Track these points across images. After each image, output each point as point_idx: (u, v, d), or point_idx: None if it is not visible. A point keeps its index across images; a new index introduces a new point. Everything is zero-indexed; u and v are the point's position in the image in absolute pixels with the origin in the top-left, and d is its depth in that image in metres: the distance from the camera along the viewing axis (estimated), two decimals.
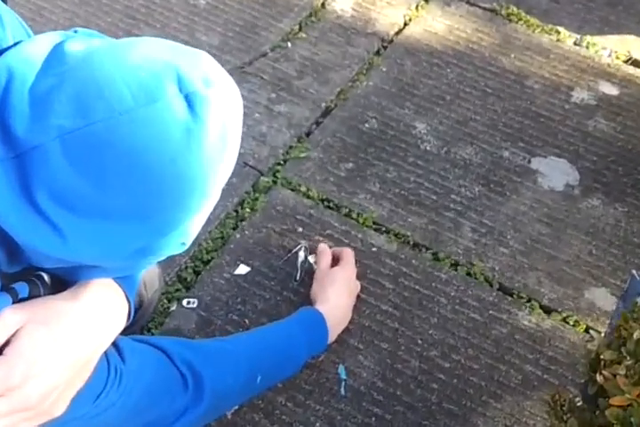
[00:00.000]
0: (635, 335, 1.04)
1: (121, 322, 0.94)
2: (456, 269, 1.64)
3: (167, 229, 0.75)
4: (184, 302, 1.55)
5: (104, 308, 0.90)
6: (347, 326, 1.51)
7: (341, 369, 1.48)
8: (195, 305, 1.55)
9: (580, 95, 1.98)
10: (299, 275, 1.59)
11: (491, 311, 1.58)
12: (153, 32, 1.97)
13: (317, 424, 1.42)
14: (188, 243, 0.80)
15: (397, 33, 2.10)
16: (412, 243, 1.68)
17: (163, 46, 0.73)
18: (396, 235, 1.69)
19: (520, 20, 2.14)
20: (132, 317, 0.96)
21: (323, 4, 2.13)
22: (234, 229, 1.67)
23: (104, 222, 0.71)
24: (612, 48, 2.10)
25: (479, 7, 2.17)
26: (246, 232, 1.66)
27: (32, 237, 0.72)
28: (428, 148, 1.85)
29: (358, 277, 1.56)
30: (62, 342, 0.84)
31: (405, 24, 2.12)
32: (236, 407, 1.42)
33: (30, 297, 0.84)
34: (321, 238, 1.65)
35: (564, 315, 1.59)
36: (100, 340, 0.90)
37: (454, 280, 1.62)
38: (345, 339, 1.52)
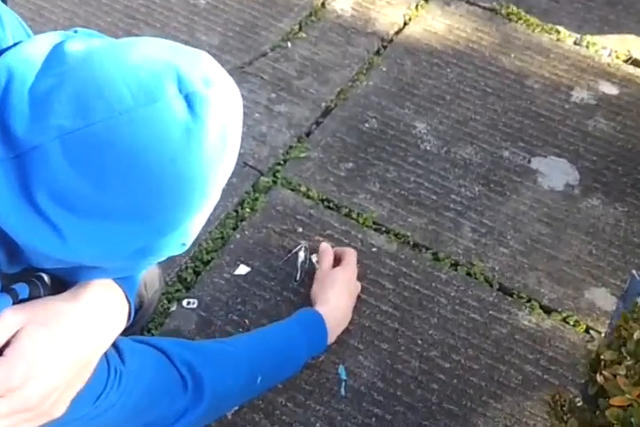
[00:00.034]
0: (635, 336, 1.04)
1: (121, 323, 0.94)
2: (456, 270, 1.64)
3: (167, 229, 0.75)
4: (184, 303, 1.55)
5: (104, 308, 0.90)
6: (347, 327, 1.51)
7: (341, 369, 1.48)
8: (195, 306, 1.55)
9: (579, 95, 1.98)
10: (299, 275, 1.59)
11: (491, 311, 1.58)
12: (153, 32, 1.97)
13: (317, 425, 1.42)
14: (189, 243, 0.80)
15: (397, 32, 2.09)
16: (411, 243, 1.68)
17: (162, 46, 0.73)
18: (395, 235, 1.69)
19: (520, 19, 2.14)
20: (132, 317, 0.96)
21: (323, 4, 2.13)
22: (234, 229, 1.66)
23: (104, 223, 0.71)
24: (611, 47, 2.10)
25: (479, 6, 2.17)
26: (246, 232, 1.66)
27: (32, 238, 0.72)
28: (428, 147, 1.85)
29: (358, 278, 1.56)
30: (62, 343, 0.84)
31: (405, 24, 2.12)
32: (236, 408, 1.42)
33: (30, 298, 0.84)
34: (321, 238, 1.65)
35: (564, 315, 1.59)
36: (100, 341, 0.90)
37: (454, 280, 1.62)
38: (345, 339, 1.51)
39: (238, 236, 1.65)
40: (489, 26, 2.12)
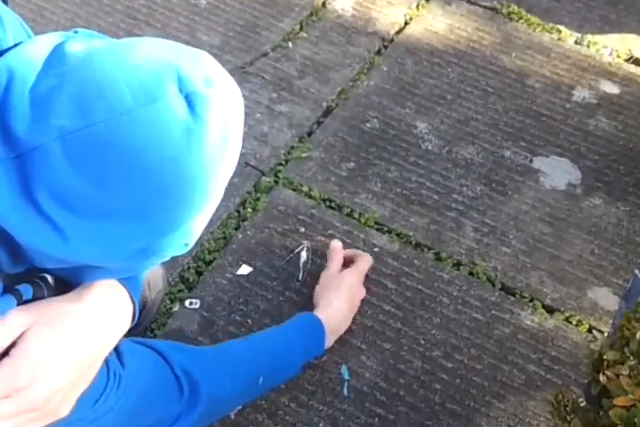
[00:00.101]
0: (638, 335, 1.04)
1: (126, 323, 0.94)
2: (458, 269, 1.64)
3: (168, 229, 0.75)
4: (186, 303, 1.55)
5: (109, 309, 0.90)
6: (349, 327, 1.51)
7: (344, 370, 1.48)
8: (197, 306, 1.55)
9: (581, 94, 1.98)
10: (301, 275, 1.59)
11: (493, 311, 1.58)
12: (154, 32, 1.97)
13: (320, 425, 1.42)
14: (191, 244, 0.80)
15: (398, 32, 2.09)
16: (414, 243, 1.68)
17: (163, 46, 0.73)
18: (398, 235, 1.69)
19: (521, 18, 2.14)
20: (136, 318, 0.96)
21: (323, 4, 2.13)
22: (236, 229, 1.66)
23: (105, 223, 0.71)
24: (612, 47, 2.10)
25: (480, 6, 2.17)
26: (248, 232, 1.66)
27: (33, 238, 0.72)
28: (429, 147, 1.84)
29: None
30: (67, 344, 0.84)
31: (406, 23, 2.12)
32: (239, 408, 1.42)
33: (34, 299, 0.84)
34: (323, 238, 1.65)
35: (567, 315, 1.58)
36: (104, 341, 0.90)
37: (457, 280, 1.62)
38: (347, 339, 1.51)
39: (240, 236, 1.65)
40: (490, 25, 2.12)
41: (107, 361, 0.96)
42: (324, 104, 1.91)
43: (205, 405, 1.15)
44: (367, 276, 1.58)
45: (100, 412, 0.97)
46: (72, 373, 0.85)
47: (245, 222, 1.67)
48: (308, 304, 1.49)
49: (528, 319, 1.57)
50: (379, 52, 2.04)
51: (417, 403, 1.46)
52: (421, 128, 1.88)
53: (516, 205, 1.75)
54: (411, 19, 2.12)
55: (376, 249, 1.65)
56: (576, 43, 2.11)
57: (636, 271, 1.27)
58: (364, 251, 1.63)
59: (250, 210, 1.69)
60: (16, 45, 0.75)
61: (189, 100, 0.69)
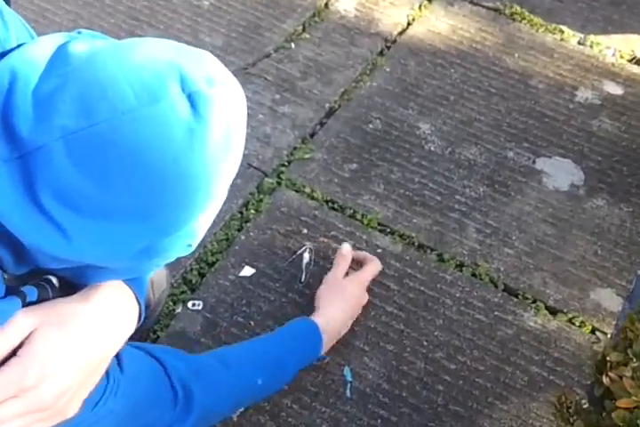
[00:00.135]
0: None
1: (132, 323, 0.94)
2: (461, 271, 1.64)
3: (171, 229, 0.75)
4: (189, 305, 1.55)
5: (115, 309, 0.90)
6: (351, 328, 1.51)
7: (347, 371, 1.48)
8: (200, 307, 1.55)
9: (584, 95, 1.98)
10: (304, 276, 1.59)
11: (496, 312, 1.58)
12: (156, 33, 1.97)
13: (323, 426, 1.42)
14: (195, 244, 0.80)
15: (401, 33, 2.09)
16: (416, 244, 1.68)
17: (166, 46, 0.73)
18: (400, 236, 1.69)
19: (523, 19, 2.14)
20: (142, 318, 0.96)
21: (326, 5, 2.13)
22: (238, 230, 1.66)
23: (108, 222, 0.71)
24: (615, 47, 2.10)
25: (482, 7, 2.17)
26: (251, 234, 1.66)
27: (36, 237, 0.72)
28: (432, 148, 1.84)
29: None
30: (75, 343, 0.84)
31: (409, 24, 2.12)
32: (242, 409, 1.42)
33: (39, 301, 0.84)
34: (326, 240, 1.65)
35: (570, 316, 1.58)
36: (111, 341, 0.90)
37: (459, 281, 1.62)
38: (350, 341, 1.51)
39: (243, 237, 1.65)
40: (492, 26, 2.12)
41: None
42: (327, 105, 1.91)
43: (198, 414, 1.15)
44: (374, 279, 1.58)
45: (99, 415, 0.97)
46: (80, 372, 0.85)
47: (248, 224, 1.67)
48: (311, 306, 1.49)
49: (531, 321, 1.57)
50: (381, 53, 2.04)
51: (420, 404, 1.46)
52: (424, 129, 1.88)
53: (519, 206, 1.75)
54: (413, 19, 2.12)
55: (379, 250, 1.65)
56: (579, 43, 2.10)
57: (639, 273, 1.27)
58: (367, 252, 1.63)
59: (252, 211, 1.69)
60: (19, 46, 0.75)
61: (192, 99, 0.69)
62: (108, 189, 0.69)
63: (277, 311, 1.55)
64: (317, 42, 2.04)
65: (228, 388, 1.24)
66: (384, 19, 2.11)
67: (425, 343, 1.53)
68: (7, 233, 0.72)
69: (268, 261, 1.62)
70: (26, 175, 0.69)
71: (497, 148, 1.86)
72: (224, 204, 0.81)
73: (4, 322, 0.79)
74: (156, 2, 2.08)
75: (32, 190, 0.69)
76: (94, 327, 0.87)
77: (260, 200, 1.71)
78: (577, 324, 1.57)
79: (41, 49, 0.73)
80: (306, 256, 1.61)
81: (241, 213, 1.69)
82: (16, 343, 0.80)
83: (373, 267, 1.55)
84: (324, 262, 1.61)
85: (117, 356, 1.00)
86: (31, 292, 0.83)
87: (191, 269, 1.60)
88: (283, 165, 1.78)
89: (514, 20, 2.14)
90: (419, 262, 1.64)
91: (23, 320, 0.81)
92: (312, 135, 1.85)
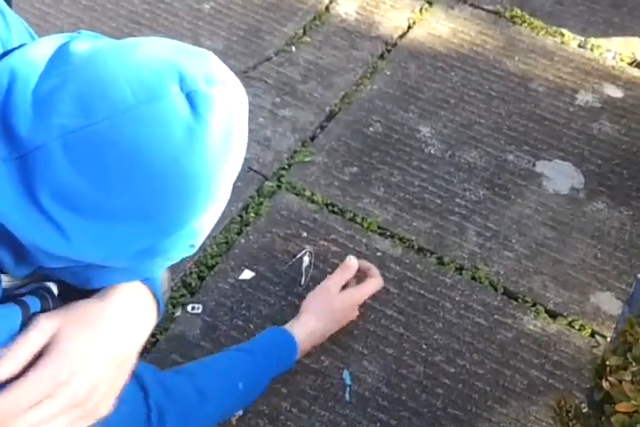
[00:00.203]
0: None
1: (151, 320, 0.94)
2: (461, 274, 1.64)
3: (172, 229, 0.74)
4: (188, 308, 1.55)
5: (135, 306, 0.91)
6: (351, 331, 1.51)
7: (346, 375, 1.48)
8: (199, 311, 1.55)
9: (584, 98, 1.98)
10: (303, 280, 1.59)
11: (496, 316, 1.58)
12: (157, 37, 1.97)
13: None
14: (197, 245, 0.80)
15: (401, 36, 2.09)
16: (416, 247, 1.68)
17: (167, 45, 0.73)
18: (400, 239, 1.68)
19: (524, 22, 2.14)
20: (161, 315, 0.97)
21: (327, 8, 2.13)
22: (238, 234, 1.67)
23: (108, 222, 0.71)
24: (616, 50, 2.10)
25: (483, 10, 2.17)
26: (251, 237, 1.66)
27: (35, 237, 0.72)
28: (432, 151, 1.84)
29: None
30: (101, 340, 0.85)
31: (409, 27, 2.12)
32: (241, 413, 1.42)
33: (42, 311, 0.84)
34: (326, 243, 1.65)
35: (570, 319, 1.58)
36: (135, 337, 0.91)
37: (459, 285, 1.62)
38: (350, 344, 1.51)
39: (243, 240, 1.65)
40: (493, 29, 2.12)
41: None
42: (328, 108, 1.91)
43: None
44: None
45: None
46: (108, 368, 0.86)
47: (248, 227, 1.67)
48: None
49: (530, 324, 1.57)
50: (382, 57, 2.04)
51: (419, 408, 1.46)
52: (424, 132, 1.88)
53: (519, 210, 1.75)
54: (414, 23, 2.13)
55: (379, 254, 1.65)
56: (579, 46, 2.10)
57: (639, 276, 1.27)
58: (366, 255, 1.63)
59: (252, 215, 1.69)
60: (19, 47, 0.75)
61: (191, 98, 0.69)
62: (107, 188, 0.69)
63: (277, 315, 1.55)
64: (318, 45, 2.04)
65: (200, 418, 1.23)
66: (385, 22, 2.11)
67: (424, 347, 1.53)
68: (7, 233, 0.72)
69: (267, 265, 1.62)
70: (25, 175, 0.69)
71: (497, 151, 1.86)
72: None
73: (3, 328, 0.79)
74: (157, 5, 2.08)
75: (31, 190, 0.69)
76: (117, 324, 0.87)
77: (260, 203, 1.71)
78: (576, 327, 1.57)
79: (41, 49, 0.73)
80: (306, 259, 1.61)
81: (241, 216, 1.69)
82: (41, 345, 0.81)
83: (374, 285, 1.52)
84: (323, 266, 1.62)
85: None
86: (33, 302, 0.83)
87: (191, 273, 1.60)
88: (283, 169, 1.79)
89: (514, 23, 2.14)
90: (418, 266, 1.64)
91: (46, 323, 0.82)
92: (312, 138, 1.86)
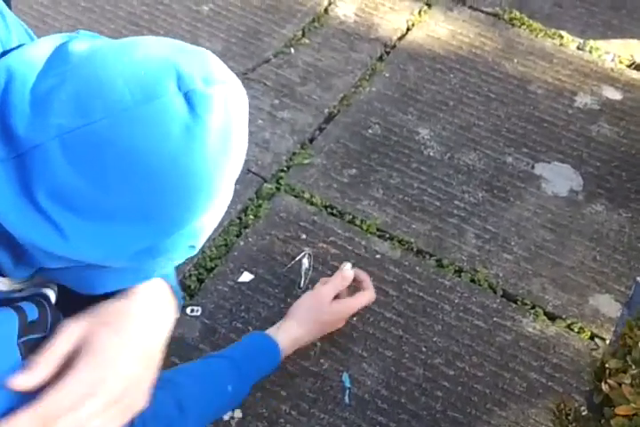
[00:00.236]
0: None
1: (173, 314, 0.96)
2: (460, 276, 1.64)
3: (172, 229, 0.74)
4: (188, 310, 1.54)
5: (158, 301, 0.93)
6: (350, 334, 1.51)
7: (345, 377, 1.48)
8: (198, 313, 1.54)
9: (583, 100, 1.98)
10: (302, 282, 1.59)
11: (495, 318, 1.58)
12: None
13: None
14: (198, 246, 0.80)
15: (400, 38, 2.09)
16: (415, 249, 1.68)
17: (166, 45, 0.73)
18: (399, 241, 1.68)
19: (523, 24, 2.14)
20: (179, 309, 0.99)
21: (326, 10, 2.13)
22: (237, 236, 1.66)
23: (106, 222, 0.71)
24: (615, 52, 2.10)
25: (482, 12, 2.17)
26: (250, 239, 1.66)
27: (34, 237, 0.71)
28: (431, 153, 1.84)
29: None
30: (131, 337, 0.87)
31: (408, 29, 2.12)
32: (240, 416, 1.42)
33: (39, 317, 0.84)
34: (325, 245, 1.65)
35: (569, 322, 1.58)
36: (160, 331, 0.93)
37: (458, 287, 1.62)
38: (349, 347, 1.51)
39: (242, 243, 1.65)
40: (492, 31, 2.12)
41: None
42: (326, 110, 1.91)
43: None
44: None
45: None
46: (139, 363, 0.88)
47: (247, 229, 1.67)
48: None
49: (530, 326, 1.57)
50: (381, 59, 2.04)
51: (418, 411, 1.45)
52: (423, 134, 1.88)
53: (518, 212, 1.75)
54: (413, 25, 2.13)
55: (377, 256, 1.65)
56: (578, 48, 2.11)
57: (639, 278, 1.27)
58: (365, 258, 1.63)
59: (251, 217, 1.69)
60: (18, 47, 0.75)
61: (188, 98, 0.68)
62: (105, 188, 0.68)
63: (276, 317, 1.54)
64: (317, 47, 2.04)
65: (184, 421, 1.22)
66: (383, 24, 2.11)
67: (424, 349, 1.53)
68: (5, 233, 0.72)
69: (266, 267, 1.62)
70: (22, 174, 0.68)
71: (496, 153, 1.86)
72: None
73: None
74: (156, 7, 2.08)
75: (29, 190, 0.69)
76: (143, 321, 0.89)
77: (259, 206, 1.71)
78: (576, 330, 1.57)
79: (39, 49, 0.73)
80: (305, 262, 1.61)
81: (240, 218, 1.69)
82: (71, 349, 0.83)
83: (366, 298, 1.49)
84: (323, 268, 1.61)
85: None
86: (30, 308, 0.83)
87: (190, 275, 1.60)
88: (282, 171, 1.78)
89: (513, 25, 2.14)
90: (417, 268, 1.64)
91: (74, 326, 0.84)
92: (311, 140, 1.85)
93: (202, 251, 1.62)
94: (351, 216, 1.71)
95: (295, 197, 1.74)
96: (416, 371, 1.50)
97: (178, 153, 0.68)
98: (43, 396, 0.80)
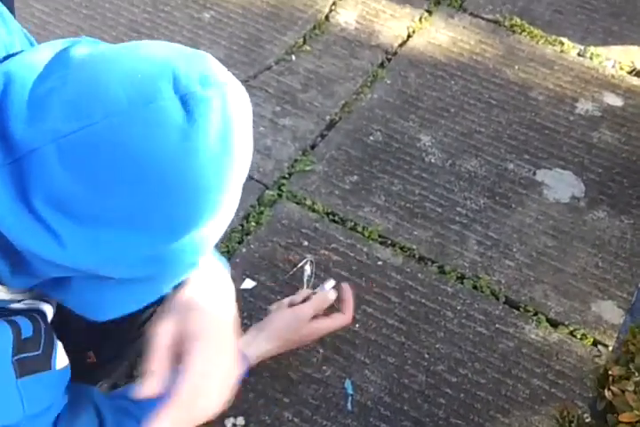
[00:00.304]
0: None
1: (234, 294, 1.05)
2: (462, 283, 1.64)
3: (171, 235, 0.73)
4: None
5: (223, 285, 1.02)
6: (352, 341, 1.51)
7: (348, 384, 1.48)
8: None
9: (584, 106, 1.98)
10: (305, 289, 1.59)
11: (497, 325, 1.58)
12: None
13: None
14: (205, 253, 0.79)
15: (401, 45, 2.10)
16: (417, 256, 1.68)
17: (165, 48, 0.72)
18: (401, 248, 1.68)
19: (523, 31, 2.15)
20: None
21: (327, 17, 2.14)
22: (239, 243, 1.66)
23: (103, 229, 0.70)
24: (615, 59, 2.10)
25: (482, 19, 2.18)
26: (252, 246, 1.66)
27: (30, 243, 0.70)
28: (432, 160, 1.84)
29: (365, 292, 1.55)
30: (215, 314, 0.97)
31: (409, 36, 2.12)
32: (243, 423, 1.41)
33: (34, 332, 0.83)
34: (327, 252, 1.65)
35: (571, 328, 1.58)
36: (230, 305, 1.02)
37: (460, 294, 1.62)
38: (351, 354, 1.51)
39: (244, 250, 1.65)
40: (492, 38, 2.13)
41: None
42: (328, 117, 1.91)
43: None
44: (370, 289, 1.58)
45: None
46: (232, 337, 0.99)
47: (249, 236, 1.67)
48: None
49: (532, 333, 1.57)
50: (382, 65, 2.05)
51: (421, 418, 1.45)
52: (425, 141, 1.88)
53: (520, 218, 1.75)
54: (414, 31, 2.13)
55: (379, 262, 1.65)
56: (579, 55, 2.11)
57: None
58: (367, 264, 1.63)
59: (253, 224, 1.69)
60: (19, 53, 0.75)
61: (185, 101, 0.67)
62: (101, 193, 0.67)
63: None
64: (318, 54, 2.05)
65: None
66: (384, 31, 2.11)
67: (426, 356, 1.53)
68: (3, 240, 0.71)
69: (269, 274, 1.62)
70: (19, 180, 0.68)
71: (497, 160, 1.86)
72: None
73: None
74: (157, 14, 2.09)
75: (25, 195, 0.68)
76: (216, 299, 0.99)
77: (261, 212, 1.71)
78: (578, 336, 1.57)
79: (39, 54, 0.73)
80: (307, 269, 1.61)
81: (242, 225, 1.69)
82: (170, 349, 0.90)
83: (345, 320, 1.44)
84: (324, 275, 1.61)
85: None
86: (24, 323, 0.82)
87: None
88: (283, 178, 1.79)
89: (514, 31, 2.15)
90: (419, 275, 1.64)
91: (164, 324, 0.90)
92: (313, 147, 1.86)
93: None
94: (353, 223, 1.71)
95: (297, 203, 1.74)
96: (418, 378, 1.50)
97: (175, 158, 0.67)
98: (177, 385, 0.88)
